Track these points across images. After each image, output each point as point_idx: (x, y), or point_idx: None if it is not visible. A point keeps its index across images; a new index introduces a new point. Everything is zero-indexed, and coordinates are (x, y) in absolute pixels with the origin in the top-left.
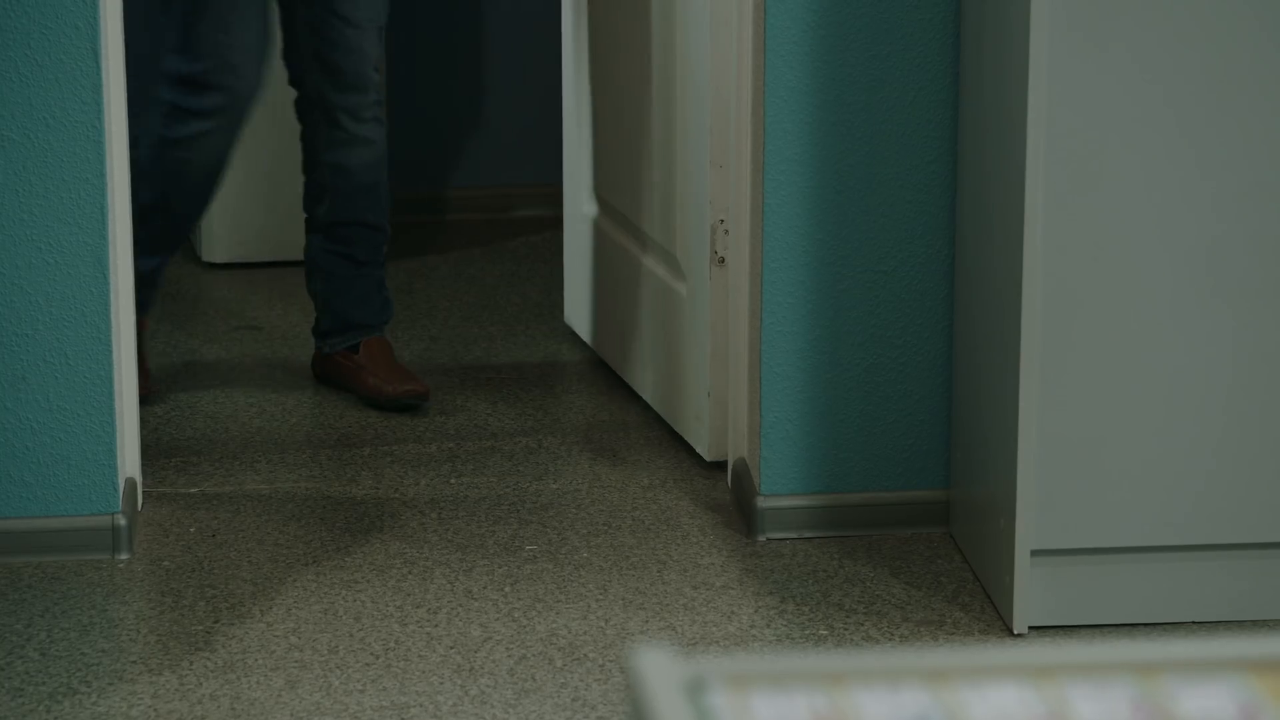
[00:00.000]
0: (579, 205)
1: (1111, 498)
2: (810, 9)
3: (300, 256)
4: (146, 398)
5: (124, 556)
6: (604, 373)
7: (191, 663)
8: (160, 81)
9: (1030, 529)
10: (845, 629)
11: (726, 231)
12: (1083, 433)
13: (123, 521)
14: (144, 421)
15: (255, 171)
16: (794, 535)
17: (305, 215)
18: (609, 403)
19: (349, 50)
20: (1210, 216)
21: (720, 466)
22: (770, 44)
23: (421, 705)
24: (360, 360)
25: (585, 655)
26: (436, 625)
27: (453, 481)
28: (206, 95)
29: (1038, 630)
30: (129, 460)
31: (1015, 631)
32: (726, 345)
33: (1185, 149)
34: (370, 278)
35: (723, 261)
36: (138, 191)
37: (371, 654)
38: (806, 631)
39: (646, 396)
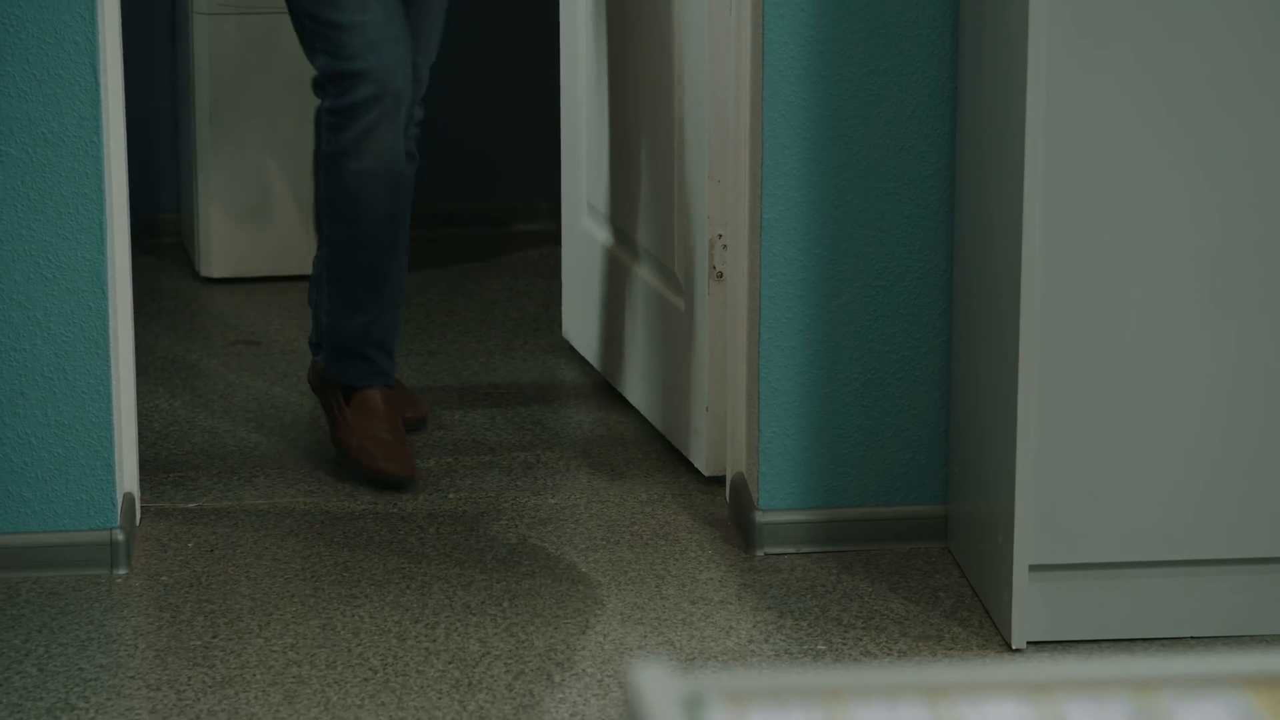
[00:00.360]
0: (577, 220)
1: (1110, 513)
2: (808, 25)
3: (298, 271)
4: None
5: (122, 571)
6: (602, 387)
7: (189, 678)
8: (318, 99)
9: (1028, 544)
10: (843, 644)
11: (725, 246)
12: (1081, 447)
13: (121, 537)
14: (142, 437)
15: (253, 186)
16: (792, 550)
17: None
18: (607, 418)
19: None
20: (1210, 229)
21: (719, 481)
22: (768, 59)
23: None
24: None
25: (583, 670)
26: (435, 640)
27: (451, 496)
28: (355, 86)
29: (1036, 646)
30: (127, 475)
31: (1013, 647)
32: (725, 360)
33: (1184, 161)
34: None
35: (721, 276)
36: (330, 235)
37: (370, 669)
38: (805, 647)
39: (645, 411)
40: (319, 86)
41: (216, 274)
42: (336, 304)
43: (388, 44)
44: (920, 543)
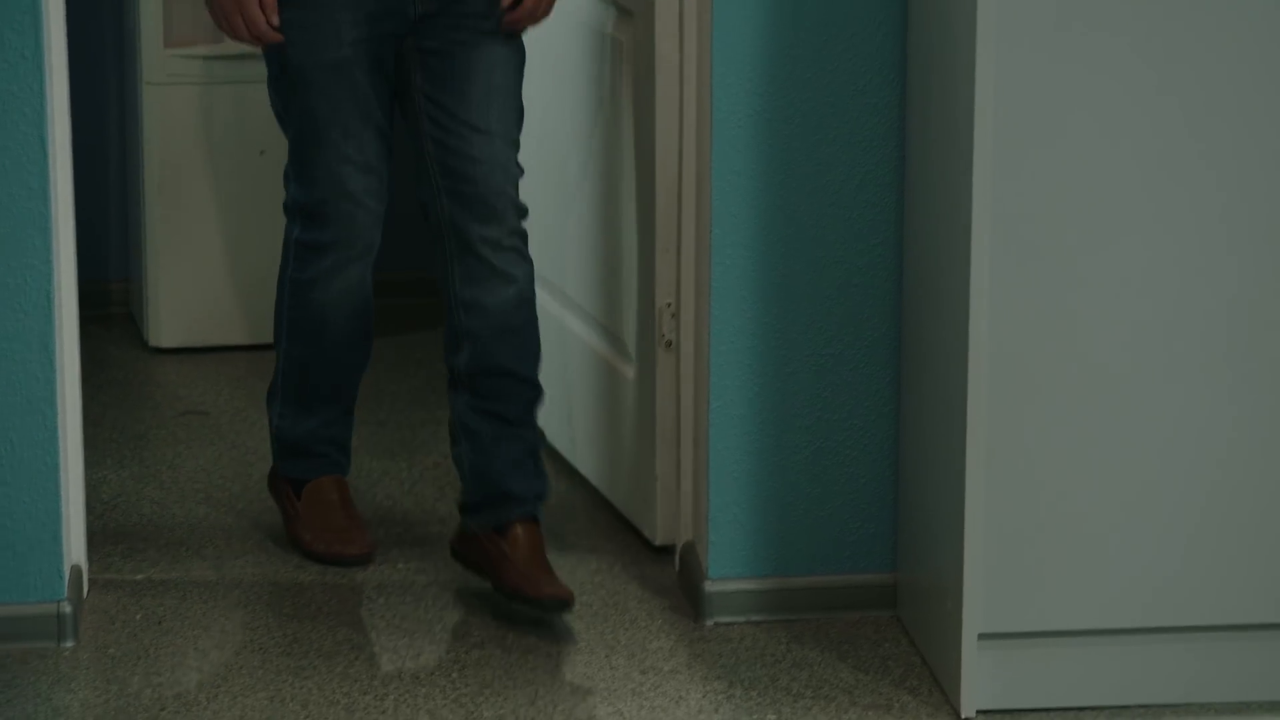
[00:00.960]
0: None
1: (1059, 580)
2: (756, 93)
3: (247, 340)
4: (364, 557)
5: (69, 644)
6: (552, 457)
7: None
8: (288, 221)
9: (977, 612)
10: (793, 713)
11: (674, 315)
12: (1029, 515)
13: (68, 609)
14: (90, 508)
15: (202, 256)
16: (742, 619)
17: (447, 369)
18: (557, 487)
19: (479, 162)
20: (1161, 293)
21: (668, 550)
22: (716, 128)
23: None
24: (505, 547)
25: None
26: (384, 712)
27: (400, 566)
28: (325, 228)
29: (986, 715)
30: (74, 547)
31: (963, 716)
32: (674, 428)
33: (1133, 227)
34: (523, 440)
35: (670, 345)
36: (288, 351)
37: None
38: (754, 716)
39: (594, 480)
40: (288, 211)
41: (165, 344)
42: (289, 408)
43: (362, 185)
44: (870, 611)
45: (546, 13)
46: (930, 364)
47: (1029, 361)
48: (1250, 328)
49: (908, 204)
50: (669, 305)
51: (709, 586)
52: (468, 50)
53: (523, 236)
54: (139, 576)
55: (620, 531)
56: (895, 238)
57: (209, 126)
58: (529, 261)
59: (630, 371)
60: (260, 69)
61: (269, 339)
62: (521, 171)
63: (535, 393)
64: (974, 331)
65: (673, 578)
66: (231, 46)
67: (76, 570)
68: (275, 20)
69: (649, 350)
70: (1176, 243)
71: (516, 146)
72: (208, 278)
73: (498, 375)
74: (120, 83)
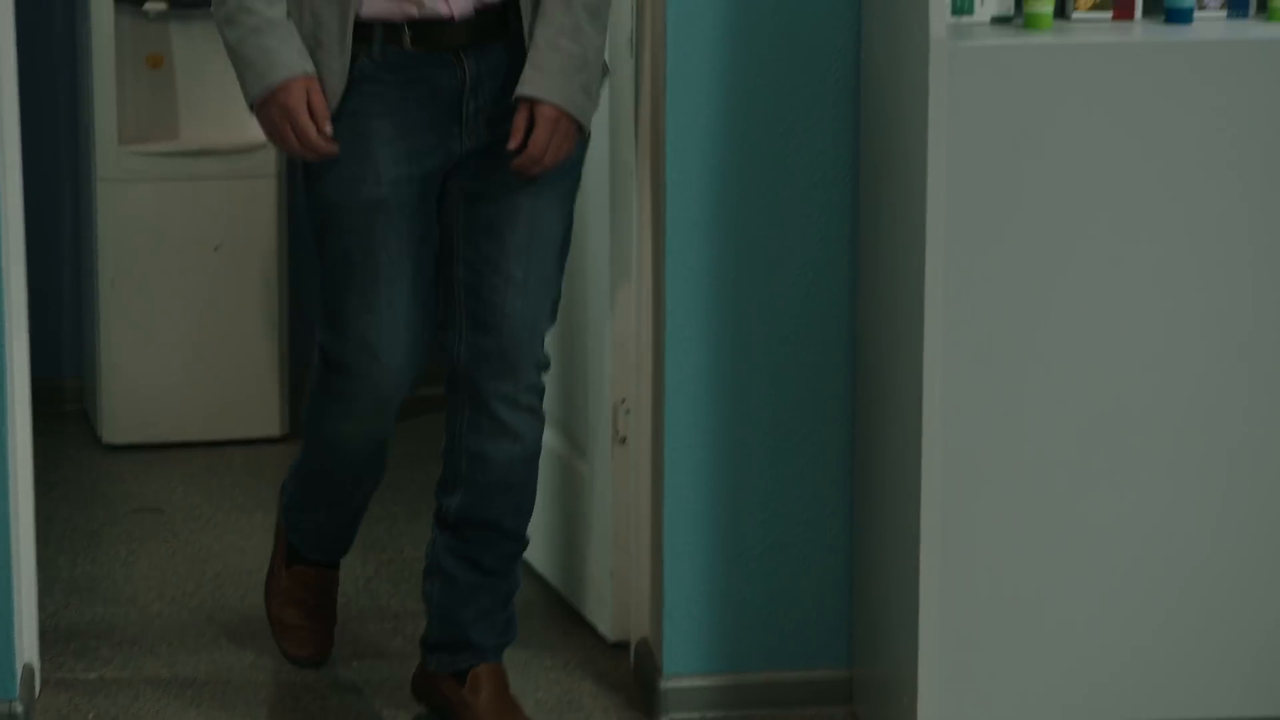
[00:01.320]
0: None
1: (1015, 675)
2: (709, 188)
3: (200, 437)
4: (312, 661)
5: None
6: None
7: None
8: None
9: (933, 707)
10: None
11: (628, 411)
12: (984, 610)
13: (20, 708)
14: (42, 606)
15: (155, 352)
16: (697, 716)
17: (436, 505)
18: None
19: (507, 316)
20: (1113, 388)
21: (624, 647)
22: (670, 224)
23: None
24: (466, 694)
25: None
26: None
27: (354, 665)
28: (346, 379)
29: None
30: (26, 645)
31: None
32: (628, 524)
33: (1086, 321)
34: (496, 591)
35: (624, 441)
36: (307, 448)
37: None
38: None
39: (549, 576)
40: (317, 340)
41: (119, 440)
42: (298, 495)
43: (388, 340)
44: (826, 706)
45: (559, 152)
46: (883, 457)
47: (982, 456)
48: (1206, 420)
49: (861, 301)
50: (623, 401)
51: (664, 683)
52: (513, 194)
53: (540, 392)
54: (92, 675)
55: (576, 628)
56: (849, 334)
57: (164, 222)
58: (541, 419)
59: (585, 467)
60: (217, 164)
61: (223, 435)
62: (554, 321)
63: (519, 546)
64: (927, 425)
65: (628, 674)
66: (187, 142)
67: (29, 669)
68: (328, 129)
69: (603, 446)
70: (1127, 338)
71: (555, 294)
72: (161, 374)
73: (486, 528)
74: (75, 179)
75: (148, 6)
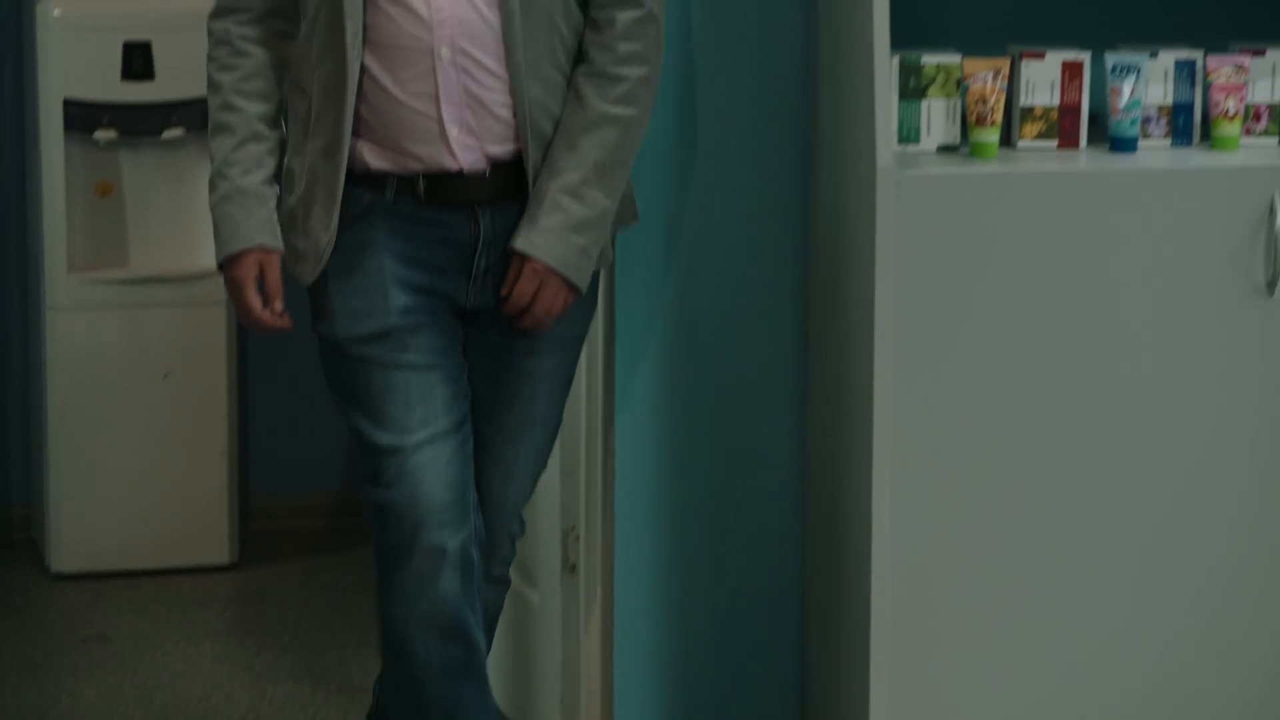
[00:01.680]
0: None
1: None
2: (659, 315)
3: (149, 565)
4: None
5: None
6: None
7: None
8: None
9: None
10: None
11: (578, 539)
12: None
13: None
14: None
15: (103, 481)
16: None
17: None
18: None
19: (488, 497)
20: (1056, 504)
21: None
22: (620, 352)
23: None
24: None
25: None
26: None
27: None
28: (391, 525)
29: None
30: None
31: None
32: (578, 651)
33: (1032, 443)
34: None
35: (574, 568)
36: (386, 670)
37: None
38: None
39: (499, 704)
40: (366, 515)
41: (67, 569)
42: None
43: (428, 471)
44: None
45: (551, 308)
46: (833, 588)
47: (931, 573)
48: (1153, 532)
49: (809, 424)
50: (573, 529)
51: None
52: (514, 375)
53: (510, 561)
54: None
55: None
56: (799, 458)
57: (113, 350)
58: (508, 583)
59: (535, 595)
60: (167, 292)
61: (171, 563)
62: (532, 491)
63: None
64: (876, 544)
65: None
66: (137, 270)
67: None
68: (278, 305)
69: (553, 574)
70: (1071, 457)
71: (543, 466)
72: (110, 502)
73: None
74: (24, 306)
75: (98, 135)
